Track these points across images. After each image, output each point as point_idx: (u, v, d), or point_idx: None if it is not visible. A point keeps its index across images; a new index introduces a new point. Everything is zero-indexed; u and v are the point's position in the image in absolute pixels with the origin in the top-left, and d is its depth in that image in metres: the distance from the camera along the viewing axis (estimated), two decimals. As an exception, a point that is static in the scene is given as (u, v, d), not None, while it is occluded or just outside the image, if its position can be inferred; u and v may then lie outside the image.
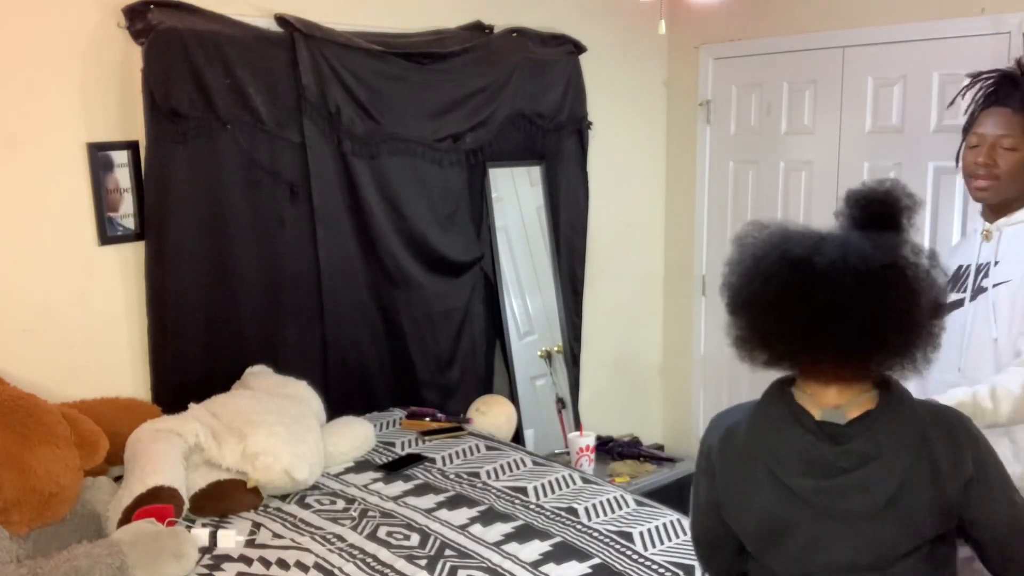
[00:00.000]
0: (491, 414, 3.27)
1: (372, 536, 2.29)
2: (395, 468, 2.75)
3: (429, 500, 2.51)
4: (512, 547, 2.22)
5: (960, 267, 2.24)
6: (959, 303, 2.18)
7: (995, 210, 2.18)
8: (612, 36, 3.91)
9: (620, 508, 2.46)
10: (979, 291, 2.14)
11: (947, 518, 1.42)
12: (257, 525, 2.37)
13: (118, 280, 2.78)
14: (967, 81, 2.26)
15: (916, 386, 1.87)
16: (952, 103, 2.23)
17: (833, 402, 1.42)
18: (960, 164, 2.24)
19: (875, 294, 1.32)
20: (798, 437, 1.41)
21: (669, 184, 4.26)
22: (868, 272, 1.32)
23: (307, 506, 2.50)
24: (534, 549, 2.21)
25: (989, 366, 2.07)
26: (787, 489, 1.42)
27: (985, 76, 2.21)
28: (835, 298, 1.32)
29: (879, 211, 1.42)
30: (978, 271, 2.17)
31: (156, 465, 2.32)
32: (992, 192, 2.14)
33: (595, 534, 2.29)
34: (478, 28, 3.46)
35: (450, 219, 3.42)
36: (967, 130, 2.22)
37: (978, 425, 1.59)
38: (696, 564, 2.07)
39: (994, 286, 2.11)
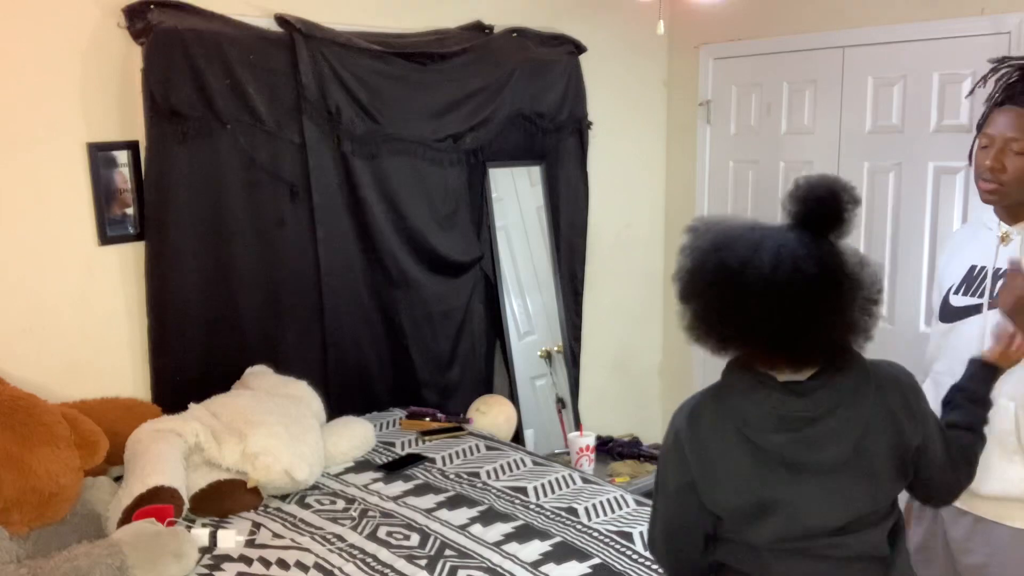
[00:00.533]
0: (491, 414, 3.27)
1: (372, 536, 2.29)
2: (395, 468, 2.75)
3: (429, 500, 2.52)
4: (512, 547, 2.22)
5: (974, 268, 2.10)
6: (975, 308, 2.07)
7: (1009, 211, 2.06)
8: (612, 36, 3.91)
9: (620, 508, 2.46)
10: (994, 298, 2.01)
11: (903, 471, 1.53)
12: (257, 525, 2.37)
13: (118, 280, 2.78)
14: (989, 68, 2.11)
15: (932, 395, 1.90)
16: (972, 92, 2.11)
17: (785, 376, 1.50)
18: (972, 162, 2.13)
19: (805, 301, 1.41)
20: (765, 397, 1.49)
21: (669, 184, 4.26)
22: (799, 281, 1.41)
23: (307, 506, 2.50)
24: (534, 549, 2.21)
25: (1002, 378, 1.95)
26: (761, 451, 1.49)
27: (1007, 67, 2.06)
28: (765, 305, 1.41)
29: (820, 210, 1.47)
30: (995, 276, 2.04)
31: (156, 465, 2.32)
32: (998, 196, 2.04)
33: (595, 534, 2.29)
34: (478, 28, 3.46)
35: (450, 219, 3.42)
36: (980, 127, 2.09)
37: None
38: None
39: None
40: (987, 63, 2.14)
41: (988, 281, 2.06)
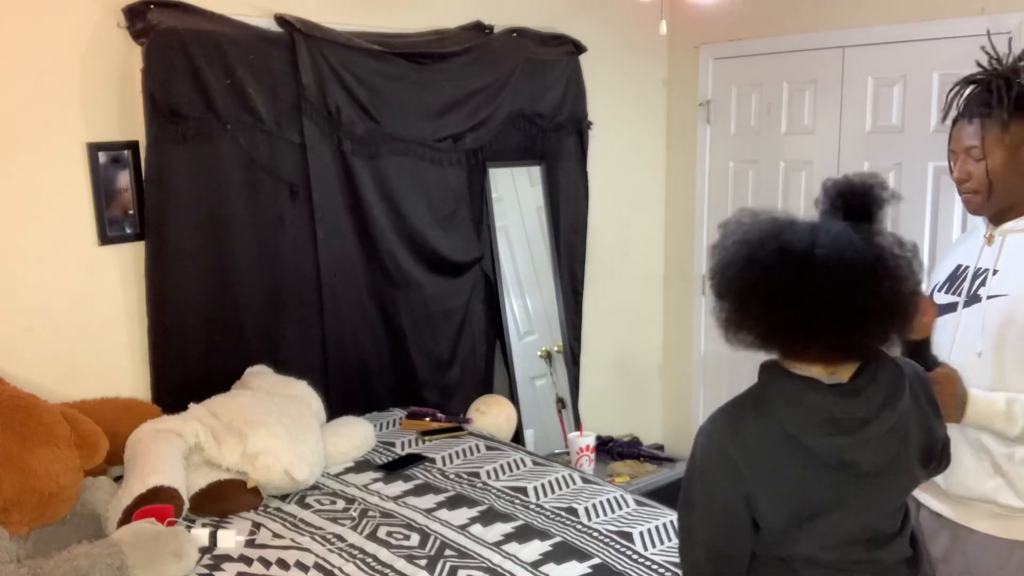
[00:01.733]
0: (491, 414, 3.27)
1: (372, 536, 2.29)
2: (395, 468, 2.75)
3: (429, 500, 2.52)
4: (512, 547, 2.22)
5: (958, 267, 2.12)
6: (952, 307, 2.08)
7: (995, 214, 2.06)
8: (612, 36, 3.91)
9: (620, 508, 2.46)
10: (973, 299, 2.02)
11: (927, 465, 1.55)
12: (257, 525, 2.37)
13: (118, 280, 2.78)
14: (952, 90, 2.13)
15: None
16: (944, 118, 2.17)
17: (822, 375, 1.47)
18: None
19: (866, 285, 1.38)
20: (819, 400, 1.43)
21: (669, 184, 4.26)
22: (860, 264, 1.38)
23: (307, 506, 2.50)
24: (534, 549, 2.21)
25: (968, 377, 1.98)
26: (816, 457, 1.44)
27: (960, 86, 2.09)
28: (831, 289, 1.37)
29: (859, 203, 1.47)
30: (975, 276, 2.05)
31: (156, 465, 2.32)
32: (976, 206, 2.06)
33: (595, 534, 2.29)
34: (478, 28, 3.46)
35: (450, 219, 3.42)
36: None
37: (991, 430, 1.86)
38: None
39: (989, 297, 1.99)
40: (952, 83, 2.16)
41: (967, 280, 2.07)
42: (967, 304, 2.04)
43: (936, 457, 1.57)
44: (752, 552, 1.53)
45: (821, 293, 1.38)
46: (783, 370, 1.50)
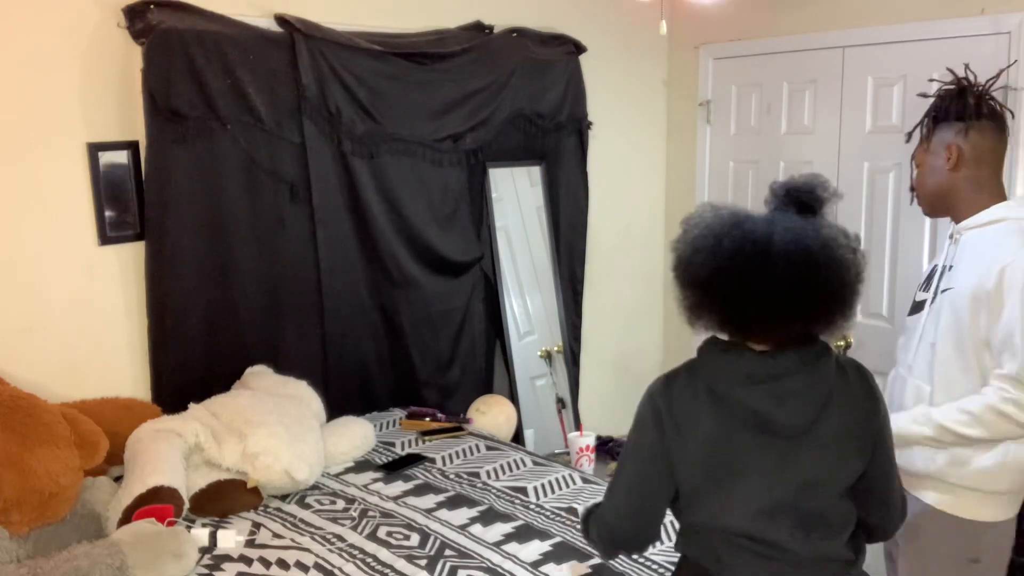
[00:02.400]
0: (491, 414, 3.27)
1: (372, 536, 2.29)
2: (395, 468, 2.75)
3: (429, 500, 2.52)
4: (512, 547, 2.22)
5: (934, 267, 2.24)
6: (922, 304, 2.21)
7: (954, 218, 2.19)
8: (612, 36, 3.91)
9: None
10: (936, 293, 2.16)
11: (862, 453, 1.61)
12: (257, 525, 2.37)
13: (118, 280, 2.78)
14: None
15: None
16: (909, 139, 2.42)
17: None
18: None
19: (818, 270, 1.52)
20: (736, 357, 1.58)
21: (669, 184, 4.26)
22: (814, 250, 1.52)
23: (307, 506, 2.50)
24: (534, 549, 2.21)
25: (925, 367, 2.14)
26: (729, 410, 1.57)
27: (930, 111, 2.25)
28: (788, 272, 1.50)
29: (805, 200, 1.61)
30: (941, 274, 2.18)
31: (156, 465, 2.32)
32: (924, 211, 2.27)
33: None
34: (478, 28, 3.46)
35: (450, 219, 3.43)
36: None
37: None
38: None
39: (941, 291, 2.13)
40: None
41: (935, 278, 2.19)
42: (931, 300, 2.17)
43: (868, 451, 1.61)
44: (681, 521, 1.68)
45: (781, 278, 1.50)
46: (719, 341, 1.63)
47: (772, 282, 1.51)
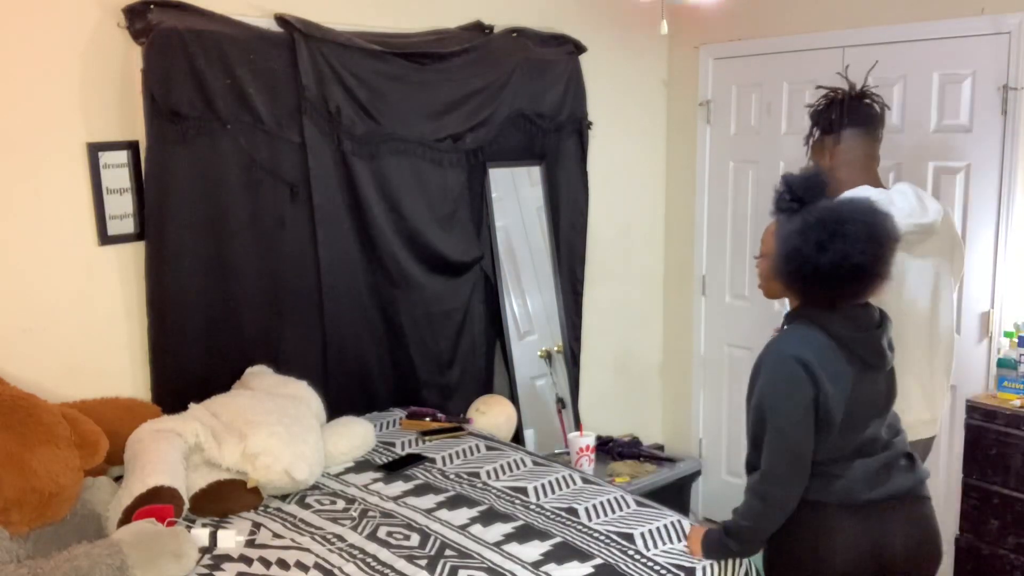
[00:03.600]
0: (491, 414, 3.27)
1: (372, 536, 2.29)
2: (395, 468, 2.75)
3: (429, 500, 2.52)
4: (512, 547, 2.22)
5: None
6: None
7: None
8: (612, 36, 3.91)
9: (621, 509, 2.46)
10: None
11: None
12: (257, 525, 2.37)
13: (118, 280, 2.78)
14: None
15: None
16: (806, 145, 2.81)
17: None
18: None
19: (889, 242, 2.04)
20: (849, 313, 2.07)
21: (669, 184, 4.26)
22: (888, 226, 2.04)
23: (307, 506, 2.50)
24: (534, 549, 2.21)
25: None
26: (855, 354, 2.05)
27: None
28: (884, 247, 2.02)
29: (812, 189, 2.08)
30: None
31: (156, 465, 2.32)
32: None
33: (596, 535, 2.29)
34: (478, 28, 3.46)
35: (450, 219, 3.42)
36: None
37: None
38: (696, 565, 2.11)
39: None
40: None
41: None
42: None
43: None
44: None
45: (881, 253, 2.00)
46: (815, 306, 2.08)
47: (878, 255, 1.99)
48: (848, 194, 2.30)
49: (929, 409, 2.58)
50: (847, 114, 2.61)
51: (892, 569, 2.05)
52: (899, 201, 2.46)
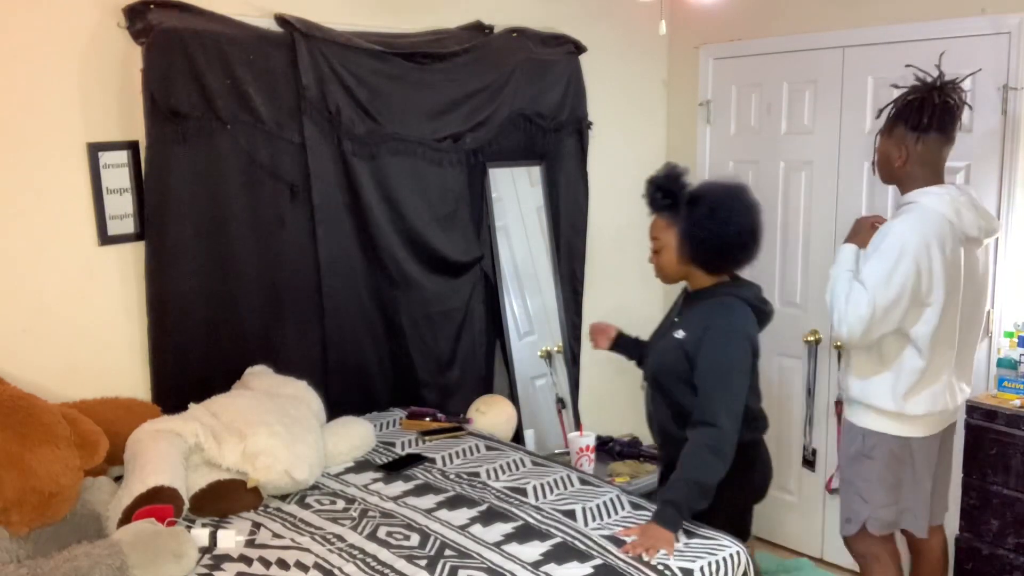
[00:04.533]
0: (491, 414, 3.27)
1: (372, 536, 2.29)
2: (395, 468, 2.75)
3: (429, 500, 2.52)
4: (512, 547, 2.22)
5: None
6: None
7: (900, 190, 2.76)
8: (612, 36, 3.91)
9: (621, 509, 2.46)
10: None
11: None
12: (257, 525, 2.37)
13: (118, 280, 2.78)
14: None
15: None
16: (879, 115, 2.81)
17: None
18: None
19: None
20: (749, 285, 2.57)
21: (669, 184, 4.25)
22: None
23: (307, 506, 2.50)
24: (534, 549, 2.21)
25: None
26: (760, 321, 2.54)
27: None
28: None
29: (669, 187, 2.52)
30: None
31: (156, 465, 2.32)
32: (882, 179, 2.81)
33: (595, 535, 2.29)
34: (478, 28, 3.46)
35: (450, 219, 3.42)
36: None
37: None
38: (694, 565, 2.10)
39: None
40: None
41: None
42: None
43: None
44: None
45: (762, 224, 2.48)
46: (724, 279, 2.53)
47: (760, 221, 2.46)
48: (906, 197, 2.63)
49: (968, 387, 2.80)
50: (937, 118, 2.59)
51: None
52: (980, 205, 2.72)
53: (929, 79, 2.66)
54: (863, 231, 2.73)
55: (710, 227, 2.39)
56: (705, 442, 2.33)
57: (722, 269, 2.50)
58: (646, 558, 2.15)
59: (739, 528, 2.47)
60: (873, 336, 2.56)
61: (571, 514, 2.42)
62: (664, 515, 2.28)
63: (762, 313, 2.51)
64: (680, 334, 2.49)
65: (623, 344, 2.92)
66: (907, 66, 2.78)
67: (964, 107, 2.67)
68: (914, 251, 2.50)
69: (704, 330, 2.42)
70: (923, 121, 2.58)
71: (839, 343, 2.64)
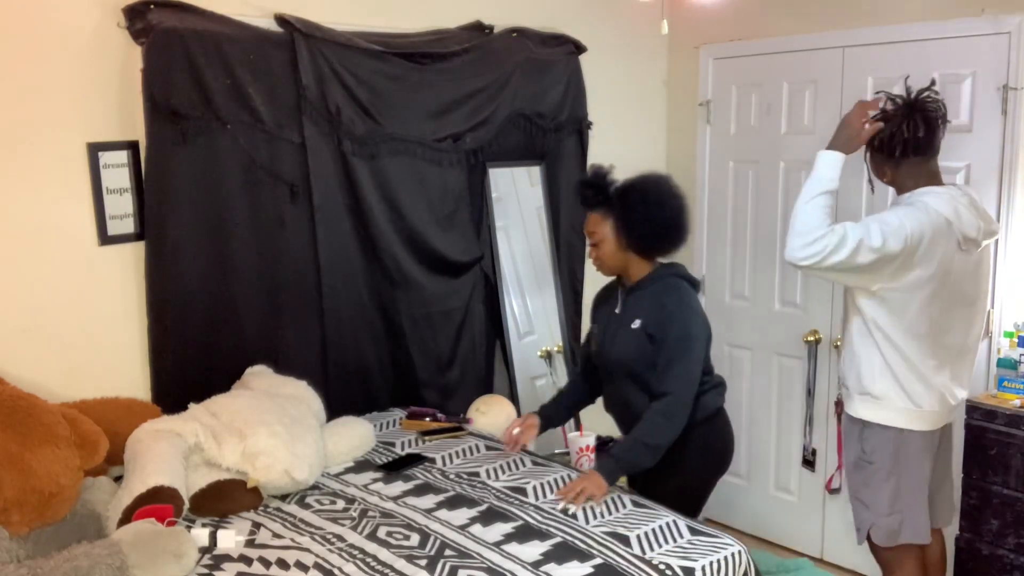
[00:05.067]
0: (491, 414, 3.27)
1: (372, 536, 2.29)
2: (395, 468, 2.75)
3: (429, 500, 2.52)
4: (512, 547, 2.22)
5: None
6: None
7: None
8: (612, 36, 3.91)
9: (620, 509, 2.46)
10: None
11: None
12: (257, 525, 2.37)
13: (118, 280, 2.78)
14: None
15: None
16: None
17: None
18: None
19: None
20: (681, 267, 2.79)
21: (669, 184, 4.26)
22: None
23: (307, 506, 2.50)
24: (534, 549, 2.21)
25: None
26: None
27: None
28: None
29: (601, 184, 2.67)
30: None
31: (156, 465, 2.32)
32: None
33: (595, 535, 2.29)
34: (478, 28, 3.46)
35: (450, 219, 3.42)
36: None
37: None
38: (696, 564, 2.11)
39: None
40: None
41: None
42: None
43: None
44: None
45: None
46: (660, 266, 2.72)
47: (686, 206, 2.69)
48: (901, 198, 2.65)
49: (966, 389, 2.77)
50: (912, 146, 2.57)
51: None
52: (980, 206, 2.70)
53: (899, 100, 2.63)
54: (853, 132, 2.60)
55: (645, 212, 2.59)
56: (659, 408, 2.56)
57: (659, 252, 2.69)
58: (572, 508, 2.40)
59: (696, 499, 2.79)
60: (830, 260, 2.45)
61: (572, 514, 2.42)
62: (605, 466, 2.53)
63: (696, 285, 2.74)
64: (637, 323, 2.64)
65: (550, 418, 2.94)
66: (877, 93, 2.80)
67: (943, 119, 2.62)
68: (912, 228, 2.47)
69: (661, 309, 2.61)
70: (896, 153, 2.58)
71: (789, 258, 2.51)
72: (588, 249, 2.75)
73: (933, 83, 2.63)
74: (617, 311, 2.74)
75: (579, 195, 2.77)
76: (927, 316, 2.57)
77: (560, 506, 2.40)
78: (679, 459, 2.64)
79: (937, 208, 2.54)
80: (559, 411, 2.98)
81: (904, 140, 2.56)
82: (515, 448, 2.84)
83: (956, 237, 2.55)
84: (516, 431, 2.85)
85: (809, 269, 2.52)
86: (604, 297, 2.88)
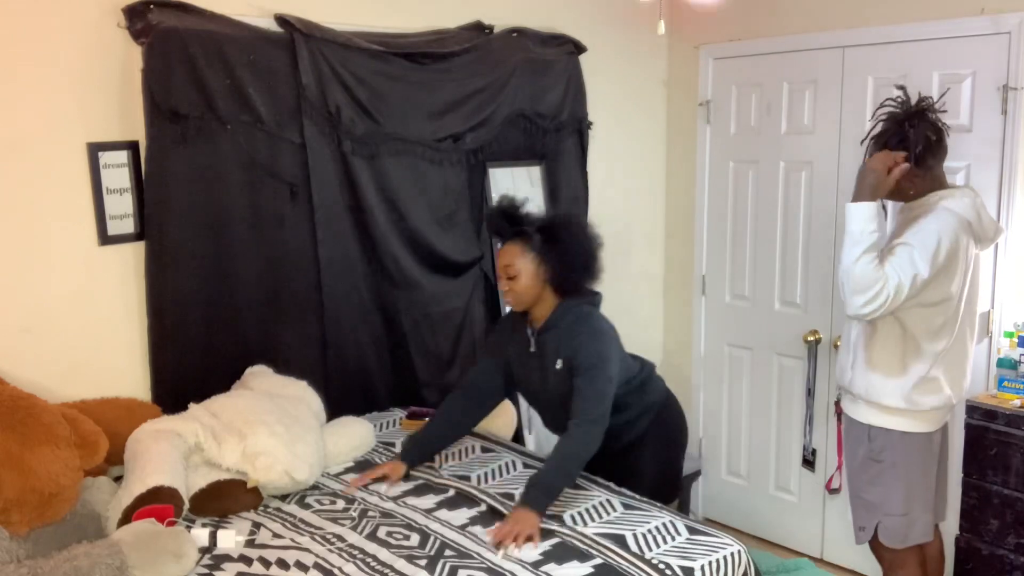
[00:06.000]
0: (491, 414, 3.26)
1: (372, 536, 2.29)
2: (395, 468, 2.74)
3: (429, 500, 2.52)
4: (512, 547, 2.22)
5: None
6: None
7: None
8: (612, 36, 3.91)
9: (619, 509, 2.46)
10: None
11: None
12: (257, 525, 2.37)
13: (118, 280, 2.78)
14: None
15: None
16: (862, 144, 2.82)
17: None
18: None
19: None
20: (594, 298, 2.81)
21: (669, 184, 4.26)
22: None
23: (307, 506, 2.50)
24: (534, 549, 2.21)
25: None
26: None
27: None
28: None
29: (514, 214, 2.65)
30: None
31: (156, 465, 2.32)
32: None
33: (594, 535, 2.30)
34: (478, 28, 3.46)
35: (450, 219, 3.42)
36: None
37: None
38: (695, 564, 2.11)
39: None
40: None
41: None
42: None
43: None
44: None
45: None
46: (575, 297, 2.69)
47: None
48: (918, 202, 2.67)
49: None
50: (931, 151, 2.63)
51: None
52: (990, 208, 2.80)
53: (900, 109, 2.68)
54: (877, 177, 2.60)
55: (573, 245, 2.61)
56: (575, 431, 2.49)
57: (578, 286, 2.67)
58: (515, 552, 2.19)
59: (675, 480, 2.94)
60: (895, 304, 2.51)
61: (573, 515, 2.42)
62: (533, 500, 2.36)
63: (596, 299, 2.77)
64: (559, 364, 2.61)
65: (417, 459, 2.73)
66: (883, 103, 2.77)
67: (944, 125, 2.69)
68: (951, 235, 2.53)
69: (574, 340, 2.59)
70: (927, 162, 2.64)
71: (854, 315, 2.56)
72: (500, 283, 2.65)
73: (924, 96, 2.72)
74: (532, 350, 2.68)
75: (492, 226, 2.80)
76: (956, 317, 2.62)
77: (500, 554, 2.19)
78: (651, 450, 2.77)
79: (959, 211, 2.59)
80: (422, 449, 2.76)
81: (927, 144, 2.62)
82: (356, 483, 2.62)
83: (977, 238, 2.63)
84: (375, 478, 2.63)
85: (880, 317, 2.59)
86: (511, 328, 2.80)
